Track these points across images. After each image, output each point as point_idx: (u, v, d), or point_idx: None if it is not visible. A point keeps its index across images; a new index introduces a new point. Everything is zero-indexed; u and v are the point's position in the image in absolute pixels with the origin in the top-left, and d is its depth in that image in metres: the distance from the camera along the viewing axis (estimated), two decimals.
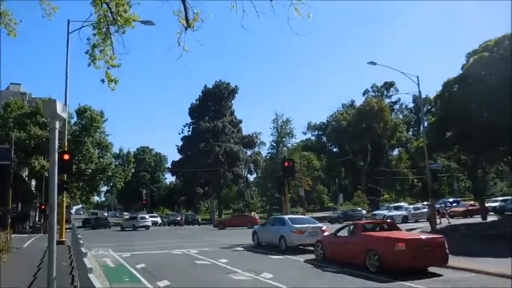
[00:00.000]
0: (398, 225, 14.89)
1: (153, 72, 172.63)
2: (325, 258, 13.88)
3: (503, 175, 64.25)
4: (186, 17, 8.49)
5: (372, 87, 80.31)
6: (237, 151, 73.11)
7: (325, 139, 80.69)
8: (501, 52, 24.79)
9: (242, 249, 19.05)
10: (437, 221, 26.67)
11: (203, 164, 67.09)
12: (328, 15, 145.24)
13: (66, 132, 24.06)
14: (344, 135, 64.42)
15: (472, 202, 41.77)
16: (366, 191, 61.01)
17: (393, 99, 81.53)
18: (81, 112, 51.04)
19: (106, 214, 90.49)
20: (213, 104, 75.30)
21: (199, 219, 57.22)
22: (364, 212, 46.83)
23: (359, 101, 76.47)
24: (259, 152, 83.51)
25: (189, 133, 76.36)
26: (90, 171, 49.30)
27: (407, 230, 19.07)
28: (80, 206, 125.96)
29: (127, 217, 54.76)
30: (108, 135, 54.96)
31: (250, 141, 77.92)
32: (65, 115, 6.18)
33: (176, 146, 77.46)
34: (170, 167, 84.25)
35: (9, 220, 33.97)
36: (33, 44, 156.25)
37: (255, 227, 22.98)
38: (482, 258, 12.71)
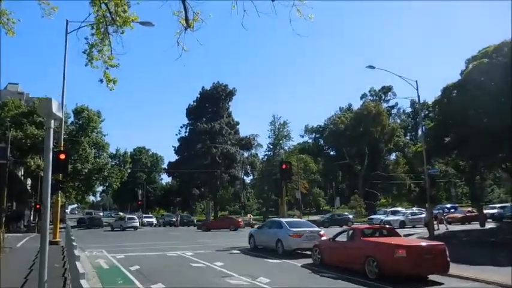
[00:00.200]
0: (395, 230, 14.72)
1: (151, 72, 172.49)
2: (323, 263, 13.70)
3: (500, 182, 64.29)
4: (186, 17, 8.32)
5: (369, 91, 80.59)
6: (233, 153, 72.94)
7: (322, 142, 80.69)
8: (500, 59, 24.77)
9: (238, 252, 18.83)
10: (435, 227, 26.56)
11: (200, 165, 66.88)
12: (327, 18, 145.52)
13: (63, 132, 23.82)
14: (341, 138, 64.39)
15: (470, 208, 41.68)
16: (362, 195, 60.94)
17: (391, 103, 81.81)
18: (78, 112, 50.77)
19: (101, 214, 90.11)
20: (211, 105, 75.18)
21: (195, 221, 56.97)
22: (350, 216, 46.74)
23: (356, 105, 76.67)
24: (256, 154, 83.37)
25: (186, 134, 76.21)
26: (86, 171, 48.97)
27: (405, 236, 18.92)
28: (75, 205, 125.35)
29: (115, 218, 55.22)
30: (105, 135, 54.78)
31: (247, 143, 77.76)
32: (60, 114, 5.99)
33: (173, 147, 77.41)
34: (166, 167, 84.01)
35: (4, 219, 33.61)
36: (32, 44, 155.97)
37: (251, 230, 22.71)
38: (483, 267, 12.56)
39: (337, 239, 13.65)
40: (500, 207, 39.09)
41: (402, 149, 72.63)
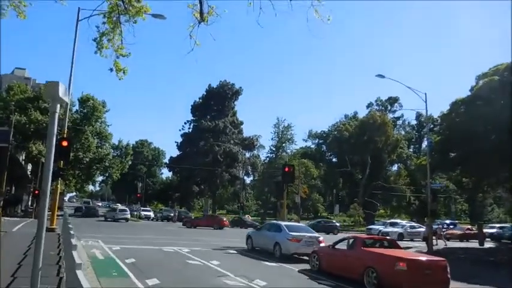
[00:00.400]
0: None
1: (159, 65, 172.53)
2: (321, 269, 13.50)
3: (501, 201, 63.86)
4: (200, 10, 8.20)
5: (376, 100, 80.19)
6: (236, 152, 72.80)
7: (325, 148, 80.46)
8: (511, 77, 24.56)
9: (235, 252, 18.64)
10: (434, 242, 26.29)
11: (201, 162, 66.76)
12: (337, 25, 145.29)
13: (67, 120, 23.68)
14: (345, 146, 64.13)
15: (469, 226, 41.38)
16: (362, 204, 60.62)
17: (396, 114, 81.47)
18: (83, 101, 50.70)
19: (100, 204, 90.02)
20: (216, 103, 75.09)
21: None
22: (338, 224, 46.63)
23: (362, 113, 76.37)
24: (258, 155, 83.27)
25: (190, 130, 76.10)
26: (87, 160, 48.88)
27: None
28: (74, 193, 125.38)
29: (109, 209, 56.47)
30: (108, 125, 54.69)
31: (250, 144, 77.64)
32: (67, 99, 5.81)
33: (175, 142, 77.30)
34: (168, 162, 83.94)
35: (1, 203, 33.53)
36: (42, 30, 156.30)
37: (249, 231, 22.48)
38: (482, 287, 12.34)
39: (336, 246, 13.44)
40: (500, 227, 38.82)
41: (405, 161, 72.26)
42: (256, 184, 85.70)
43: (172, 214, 54.09)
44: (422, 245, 27.06)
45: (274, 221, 24.83)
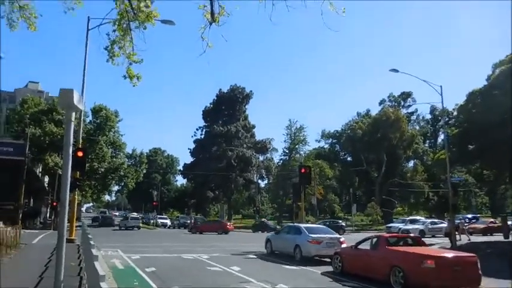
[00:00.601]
0: None
1: (169, 73, 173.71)
2: (344, 271, 13.18)
3: None
4: (211, 11, 8.06)
5: (388, 96, 79.25)
6: (249, 156, 72.59)
7: (338, 148, 79.71)
8: None
9: (255, 257, 18.40)
10: (457, 237, 25.65)
11: (215, 167, 66.73)
12: (346, 22, 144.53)
13: (81, 130, 23.81)
14: (359, 144, 63.39)
15: (492, 219, 40.38)
16: (379, 202, 59.84)
17: (410, 109, 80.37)
18: (96, 111, 51.17)
19: (116, 214, 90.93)
20: (227, 108, 75.08)
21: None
22: (343, 224, 46.16)
23: (375, 111, 75.54)
24: (272, 158, 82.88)
25: (202, 136, 76.19)
26: (102, 170, 49.32)
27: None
28: (91, 204, 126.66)
29: (122, 218, 58.17)
30: (122, 135, 55.09)
31: (263, 147, 77.36)
32: (81, 106, 5.70)
33: (188, 149, 77.44)
34: (182, 169, 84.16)
35: (20, 215, 33.91)
36: (53, 43, 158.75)
37: (268, 234, 22.20)
38: None
39: (359, 246, 13.12)
40: None
41: (421, 157, 71.12)
42: (271, 187, 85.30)
43: (188, 221, 54.18)
44: (445, 241, 26.44)
45: (294, 224, 24.50)
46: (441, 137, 77.05)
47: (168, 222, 57.24)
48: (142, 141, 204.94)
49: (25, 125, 42.88)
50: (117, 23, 8.54)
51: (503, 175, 28.59)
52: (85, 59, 20.72)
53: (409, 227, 35.39)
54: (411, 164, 73.94)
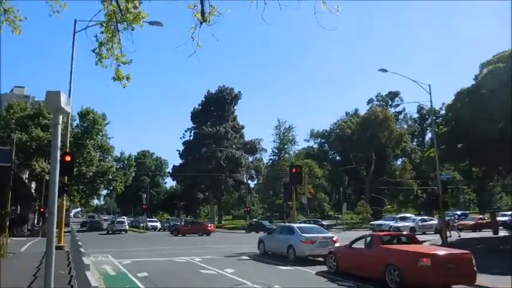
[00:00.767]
0: None
1: (156, 75, 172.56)
2: (339, 271, 13.10)
3: (509, 189, 63.26)
4: (202, 11, 7.92)
5: (376, 96, 79.82)
6: (238, 157, 72.43)
7: (327, 147, 79.92)
8: None
9: (248, 258, 18.25)
10: (447, 234, 25.85)
11: (204, 169, 66.40)
12: (335, 24, 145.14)
13: (69, 135, 23.38)
14: (348, 143, 63.64)
15: (481, 216, 40.81)
16: (369, 200, 60.15)
17: (398, 109, 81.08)
18: (83, 115, 50.45)
19: (106, 218, 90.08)
20: (216, 109, 74.85)
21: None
22: (324, 223, 46.14)
23: (363, 110, 75.98)
24: (261, 158, 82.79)
25: (191, 138, 75.88)
26: (90, 174, 48.55)
27: None
28: (79, 209, 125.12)
29: (109, 222, 57.16)
30: (109, 138, 54.39)
31: (252, 147, 77.25)
32: (68, 109, 5.48)
33: (177, 150, 77.02)
34: (171, 171, 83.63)
35: (7, 223, 33.20)
36: (38, 47, 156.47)
37: (261, 235, 22.04)
38: (507, 277, 11.89)
39: (353, 245, 13.06)
40: None
41: (409, 155, 71.74)
42: (261, 187, 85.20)
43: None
44: (436, 238, 26.67)
45: (286, 224, 24.39)
46: (429, 135, 77.94)
47: (158, 225, 56.65)
48: (131, 144, 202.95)
49: (11, 130, 42.09)
50: (104, 25, 8.37)
51: (491, 172, 28.89)
52: (72, 62, 20.35)
53: (400, 224, 35.55)
54: (400, 162, 74.57)
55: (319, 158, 79.18)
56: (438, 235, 26.57)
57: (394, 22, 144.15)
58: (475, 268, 10.31)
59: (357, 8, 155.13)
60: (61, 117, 5.31)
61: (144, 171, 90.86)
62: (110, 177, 53.51)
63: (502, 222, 35.31)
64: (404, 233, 16.55)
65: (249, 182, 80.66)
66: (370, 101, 79.00)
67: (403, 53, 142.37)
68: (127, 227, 48.77)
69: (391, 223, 37.41)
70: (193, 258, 17.76)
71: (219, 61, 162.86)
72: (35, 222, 52.56)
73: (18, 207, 48.36)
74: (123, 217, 63.12)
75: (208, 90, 76.27)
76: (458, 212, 45.85)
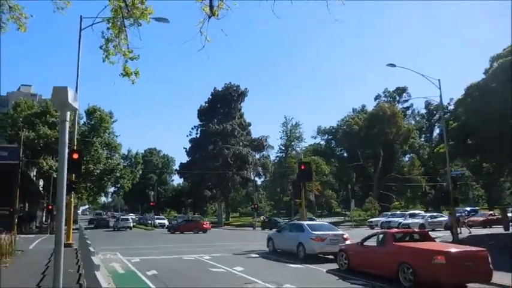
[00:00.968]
0: None
1: (163, 72, 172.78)
2: (350, 268, 12.91)
3: None
4: (210, 4, 7.75)
5: (384, 92, 79.21)
6: (245, 154, 72.25)
7: (335, 144, 79.60)
8: None
9: (257, 256, 18.10)
10: (458, 230, 25.51)
11: (211, 166, 66.36)
12: (343, 18, 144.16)
13: (76, 132, 23.36)
14: (355, 140, 63.23)
15: (491, 212, 40.33)
16: (377, 197, 59.80)
17: (405, 104, 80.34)
18: (90, 113, 50.58)
19: (115, 215, 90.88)
20: (222, 106, 74.70)
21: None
22: (316, 219, 45.83)
23: (370, 106, 75.47)
24: (268, 156, 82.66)
25: (198, 135, 75.80)
26: (98, 171, 48.69)
27: None
28: (87, 206, 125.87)
29: (115, 219, 58.44)
30: (117, 136, 54.52)
31: (259, 145, 77.03)
32: (76, 105, 5.32)
33: (184, 148, 77.04)
34: (178, 169, 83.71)
35: (16, 220, 33.39)
36: (45, 44, 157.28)
37: (270, 233, 21.89)
38: None
39: (365, 243, 12.84)
40: None
41: (417, 151, 71.17)
42: (268, 184, 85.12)
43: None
44: (446, 235, 26.33)
45: (295, 221, 24.20)
46: (437, 131, 77.14)
47: (166, 222, 56.76)
48: (138, 141, 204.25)
49: (19, 128, 42.31)
50: (111, 21, 8.25)
51: (502, 168, 28.45)
52: (78, 59, 20.31)
53: (410, 221, 35.22)
54: (408, 158, 74.04)
55: (327, 155, 78.92)
56: (448, 232, 26.20)
57: (404, 16, 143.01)
58: (490, 266, 10.06)
59: (367, 1, 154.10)
60: (68, 113, 5.16)
61: (151, 168, 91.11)
62: (117, 174, 53.72)
63: None
64: (417, 230, 16.27)
65: (256, 179, 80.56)
66: (377, 97, 78.49)
67: (411, 48, 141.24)
68: (131, 224, 49.59)
69: (400, 220, 37.11)
70: (202, 256, 17.64)
71: (226, 58, 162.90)
72: (43, 219, 52.92)
73: (27, 204, 48.66)
74: (128, 214, 63.58)
75: (215, 88, 76.20)
76: (468, 208, 45.34)
